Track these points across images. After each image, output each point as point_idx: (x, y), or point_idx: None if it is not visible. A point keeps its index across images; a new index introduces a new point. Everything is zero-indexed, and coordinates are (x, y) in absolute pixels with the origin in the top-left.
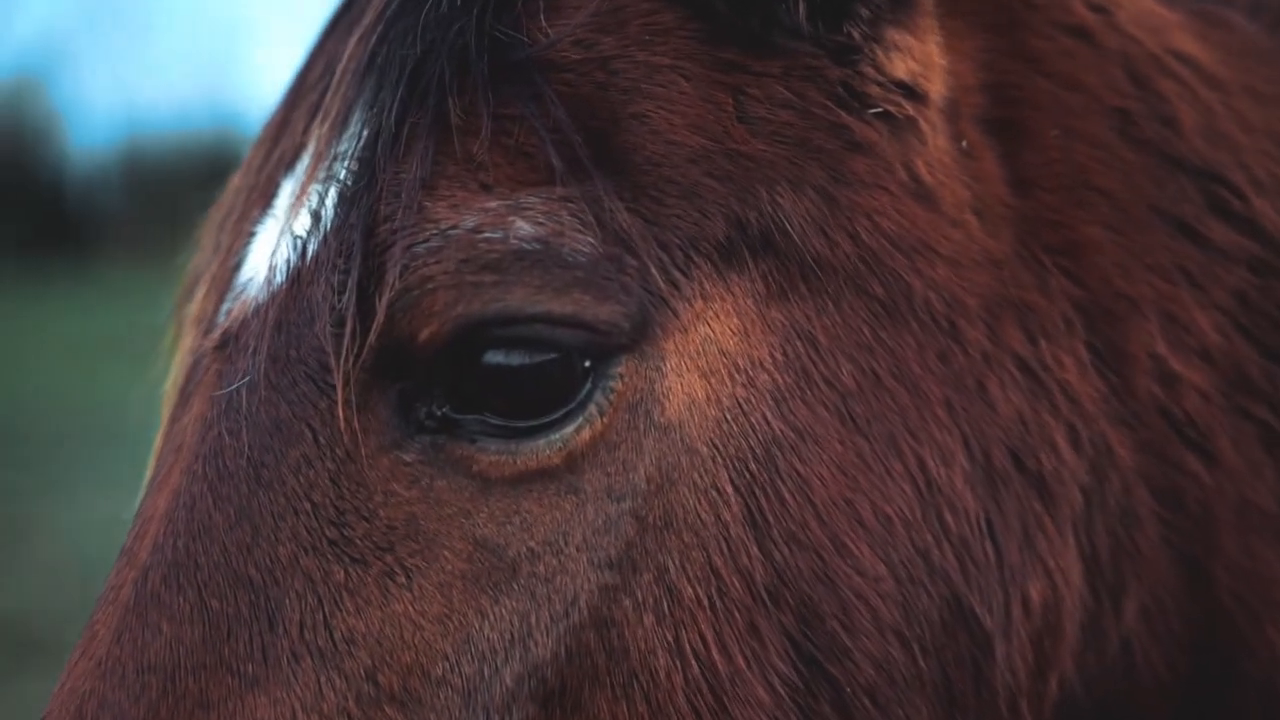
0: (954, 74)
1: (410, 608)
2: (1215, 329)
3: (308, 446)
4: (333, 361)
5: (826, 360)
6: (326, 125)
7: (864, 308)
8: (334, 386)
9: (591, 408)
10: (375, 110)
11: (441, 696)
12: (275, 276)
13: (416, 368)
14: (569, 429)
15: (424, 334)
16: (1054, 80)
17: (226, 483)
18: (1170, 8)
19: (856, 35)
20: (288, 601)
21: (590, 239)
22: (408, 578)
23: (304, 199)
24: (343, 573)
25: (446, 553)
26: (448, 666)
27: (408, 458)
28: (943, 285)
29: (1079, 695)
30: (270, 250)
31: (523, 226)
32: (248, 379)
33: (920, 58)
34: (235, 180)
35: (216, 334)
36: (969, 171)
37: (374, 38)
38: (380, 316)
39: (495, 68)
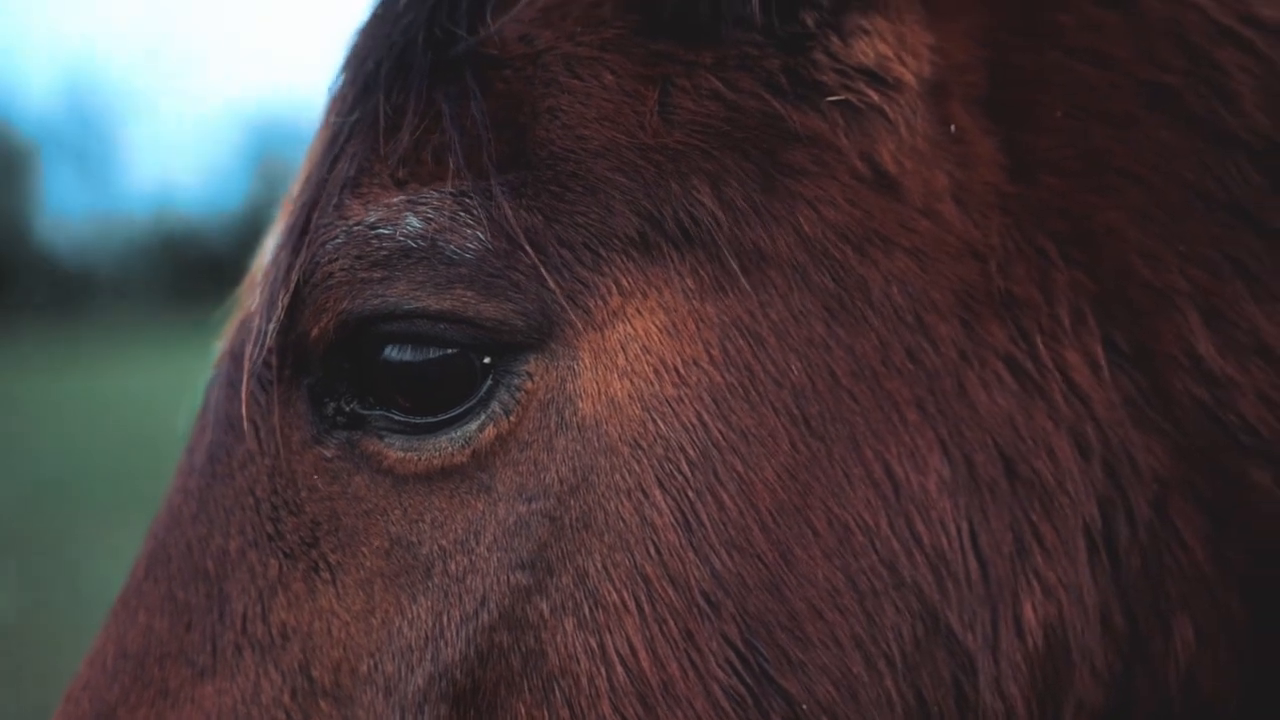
0: (942, 52)
1: (335, 603)
2: (1277, 323)
3: (250, 442)
4: (245, 357)
5: (774, 357)
6: (320, 126)
7: (815, 302)
8: (270, 383)
9: (495, 405)
10: (333, 110)
11: (368, 693)
12: (259, 279)
13: (315, 364)
14: (471, 426)
15: (315, 330)
16: (1071, 55)
17: (193, 477)
18: None
19: (811, 23)
20: (234, 594)
21: (480, 235)
22: (331, 574)
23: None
24: (277, 567)
25: (365, 549)
26: (372, 664)
27: (327, 453)
28: (905, 278)
29: None
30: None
31: (412, 222)
32: (216, 377)
33: (894, 39)
34: None
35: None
36: (953, 157)
37: (355, 35)
38: (279, 313)
39: (436, 65)
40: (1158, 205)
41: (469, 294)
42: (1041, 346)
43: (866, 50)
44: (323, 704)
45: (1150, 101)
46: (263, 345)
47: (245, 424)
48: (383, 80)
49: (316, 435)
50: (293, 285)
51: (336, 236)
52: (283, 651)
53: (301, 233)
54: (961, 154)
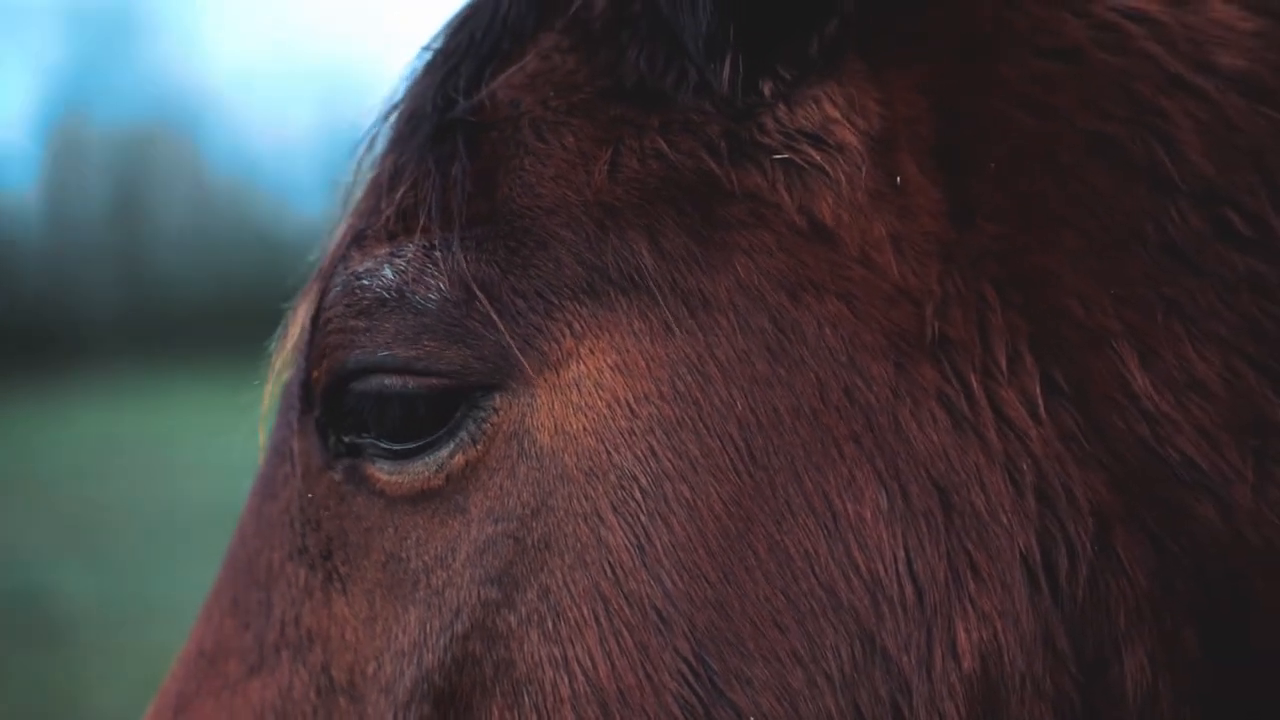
0: (890, 105)
1: (346, 610)
2: (1214, 363)
3: (288, 466)
4: (286, 392)
5: (720, 394)
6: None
7: (757, 343)
8: (296, 415)
9: (463, 435)
10: (355, 167)
11: (373, 692)
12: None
13: (317, 400)
14: (443, 453)
15: (315, 372)
16: (1016, 106)
17: (256, 495)
18: (1251, 15)
19: (768, 92)
20: (276, 601)
21: (441, 285)
22: (342, 584)
23: None
24: (305, 577)
25: (367, 563)
26: (375, 666)
27: (336, 477)
28: (837, 322)
29: None
30: None
31: (387, 274)
32: (277, 407)
33: (843, 100)
34: None
35: None
36: (894, 208)
37: (391, 101)
38: (299, 352)
39: (437, 128)
40: (1094, 250)
41: (433, 343)
42: (976, 386)
43: (813, 114)
44: (341, 700)
45: (1091, 150)
46: (290, 380)
47: (268, 451)
48: (394, 142)
49: (327, 462)
50: (307, 326)
51: (338, 285)
52: (309, 652)
53: (319, 279)
54: (903, 205)
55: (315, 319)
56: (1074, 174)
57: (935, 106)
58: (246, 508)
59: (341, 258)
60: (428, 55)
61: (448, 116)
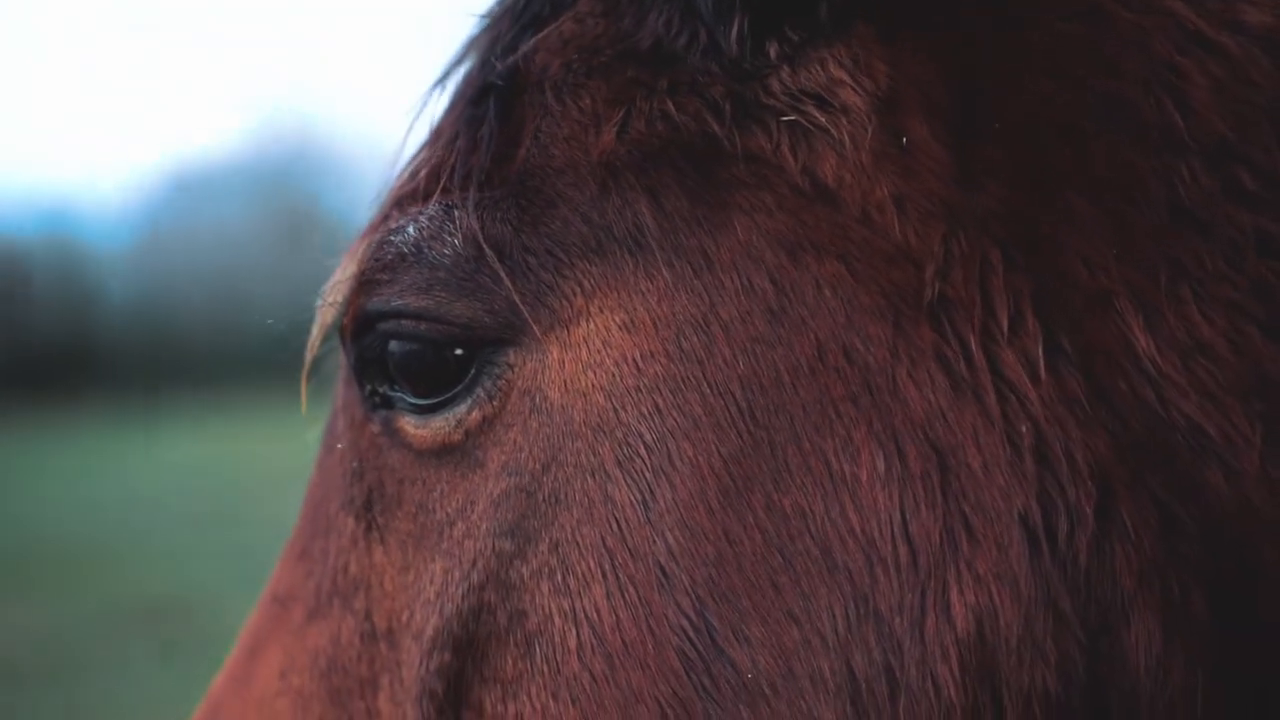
0: (901, 67)
1: (384, 560)
2: (1220, 325)
3: (344, 420)
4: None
5: (723, 353)
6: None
7: (758, 303)
8: (343, 367)
9: (480, 391)
10: (408, 130)
11: (406, 639)
12: None
13: (350, 350)
14: (461, 409)
15: (345, 321)
16: (1030, 68)
17: (320, 449)
18: None
19: (774, 54)
20: (332, 550)
21: (455, 243)
22: (380, 534)
23: None
24: (352, 527)
25: (400, 514)
26: (409, 613)
27: (374, 429)
28: (836, 282)
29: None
30: None
31: (410, 231)
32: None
33: (849, 61)
34: None
35: None
36: (898, 168)
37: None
38: (342, 305)
39: (477, 92)
40: (1100, 212)
41: (444, 294)
42: (975, 347)
43: (818, 76)
44: (382, 645)
45: (1103, 111)
46: (321, 336)
47: (331, 407)
48: (445, 103)
49: (366, 414)
50: (339, 283)
51: (374, 243)
52: (355, 599)
53: (364, 237)
54: (908, 166)
55: (358, 273)
56: (1084, 135)
57: (946, 69)
58: (315, 459)
59: (384, 217)
60: (482, 22)
61: (485, 80)
